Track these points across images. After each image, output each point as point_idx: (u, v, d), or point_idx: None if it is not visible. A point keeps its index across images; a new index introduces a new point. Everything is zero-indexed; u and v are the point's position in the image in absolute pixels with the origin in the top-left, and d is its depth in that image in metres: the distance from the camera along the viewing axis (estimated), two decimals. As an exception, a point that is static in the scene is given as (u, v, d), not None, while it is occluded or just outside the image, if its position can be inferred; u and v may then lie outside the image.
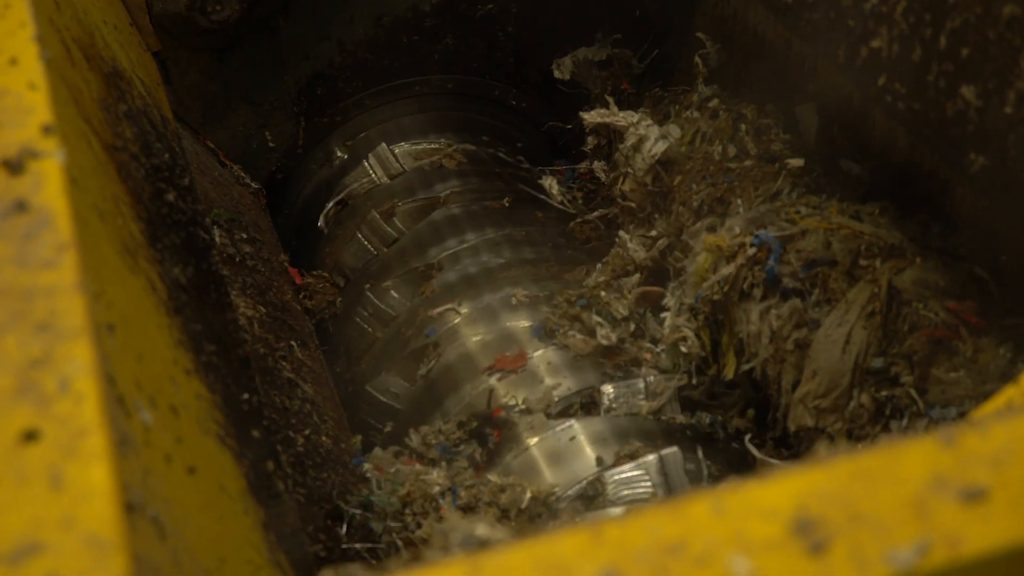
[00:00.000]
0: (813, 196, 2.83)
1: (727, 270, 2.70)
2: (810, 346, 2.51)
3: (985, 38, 2.19)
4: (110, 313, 1.34)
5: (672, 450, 2.67)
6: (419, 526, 2.52)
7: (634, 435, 2.75)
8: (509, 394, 2.92)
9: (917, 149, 2.58)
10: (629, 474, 2.67)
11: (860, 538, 0.91)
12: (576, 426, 2.80)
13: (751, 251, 2.66)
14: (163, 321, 1.73)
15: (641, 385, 2.87)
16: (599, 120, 3.38)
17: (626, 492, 2.65)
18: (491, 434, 2.88)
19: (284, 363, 2.72)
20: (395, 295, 3.49)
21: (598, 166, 3.49)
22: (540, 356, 2.99)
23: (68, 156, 1.40)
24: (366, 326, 3.48)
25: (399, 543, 2.46)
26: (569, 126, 3.82)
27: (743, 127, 3.17)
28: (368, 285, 3.53)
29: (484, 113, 4.01)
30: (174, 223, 2.09)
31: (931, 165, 2.54)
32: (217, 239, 2.86)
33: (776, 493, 0.96)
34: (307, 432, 2.54)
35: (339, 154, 3.93)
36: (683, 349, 2.82)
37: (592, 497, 2.67)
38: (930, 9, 2.35)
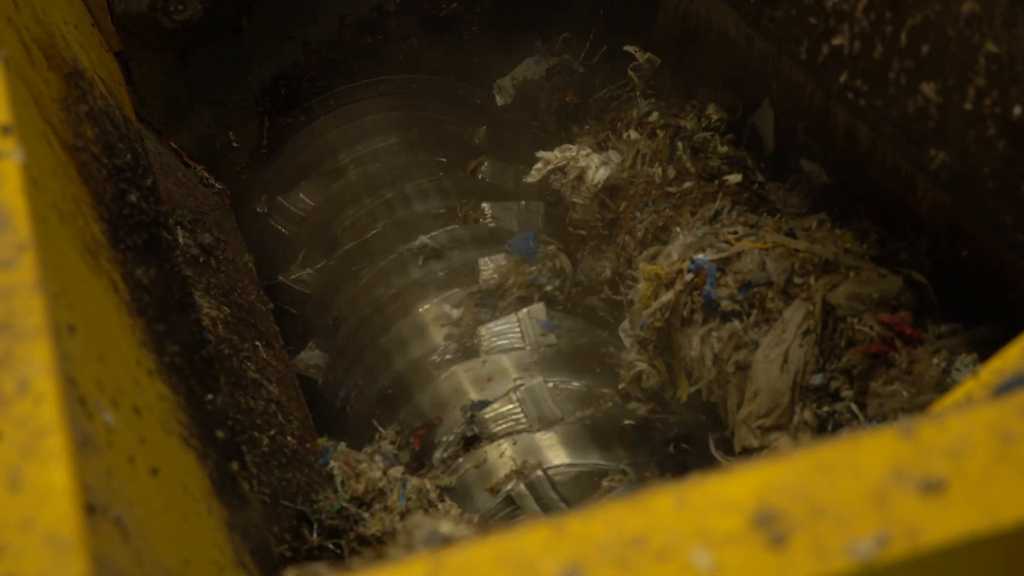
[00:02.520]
0: (751, 213, 2.86)
1: (666, 297, 2.73)
2: (750, 367, 2.53)
3: (945, 35, 2.20)
4: (71, 314, 1.34)
5: (537, 305, 3.11)
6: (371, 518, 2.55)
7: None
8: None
9: (879, 146, 2.59)
10: (501, 327, 3.04)
11: (820, 531, 0.92)
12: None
13: (688, 277, 2.68)
14: (125, 322, 1.72)
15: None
16: (540, 175, 3.38)
17: (500, 342, 3.03)
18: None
19: (249, 363, 2.71)
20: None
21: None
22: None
23: (27, 156, 1.39)
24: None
25: (355, 545, 2.47)
26: (535, 123, 3.82)
27: (680, 145, 3.19)
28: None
29: (448, 112, 4.00)
30: (136, 224, 2.08)
31: (893, 161, 2.56)
32: (180, 240, 2.85)
33: (738, 487, 0.96)
34: (272, 432, 2.53)
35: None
36: (643, 384, 2.84)
37: (470, 348, 3.04)
38: (891, 6, 2.36)
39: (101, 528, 1.05)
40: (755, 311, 2.57)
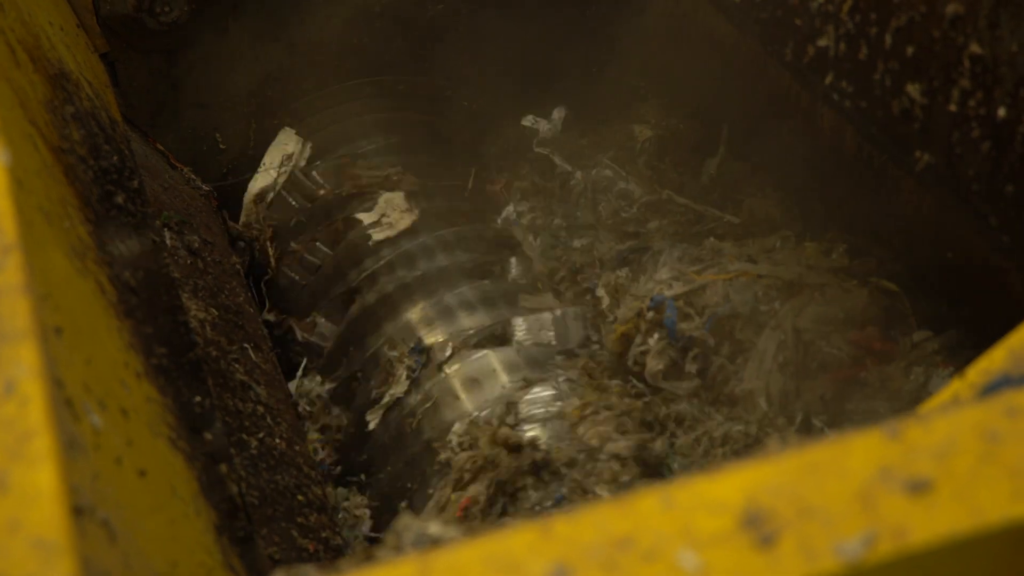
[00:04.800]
0: (716, 240, 2.88)
1: (623, 328, 2.72)
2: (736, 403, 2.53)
3: (930, 36, 2.21)
4: (57, 316, 1.33)
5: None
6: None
7: (543, 362, 2.89)
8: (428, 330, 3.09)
9: (864, 147, 2.60)
10: (539, 395, 2.79)
11: (808, 531, 0.92)
12: (490, 355, 2.92)
13: (650, 315, 2.67)
14: (113, 324, 1.71)
15: (548, 318, 2.98)
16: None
17: (537, 411, 2.75)
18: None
19: (237, 366, 2.71)
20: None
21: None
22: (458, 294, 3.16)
23: (13, 158, 1.38)
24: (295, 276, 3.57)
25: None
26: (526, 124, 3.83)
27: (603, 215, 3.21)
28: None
29: (435, 114, 3.99)
30: (123, 226, 2.08)
31: (879, 163, 2.57)
32: (168, 242, 2.84)
33: (725, 487, 0.97)
34: (260, 435, 2.52)
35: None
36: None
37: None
38: (875, 8, 2.37)
39: (88, 530, 1.04)
40: (726, 343, 2.57)
